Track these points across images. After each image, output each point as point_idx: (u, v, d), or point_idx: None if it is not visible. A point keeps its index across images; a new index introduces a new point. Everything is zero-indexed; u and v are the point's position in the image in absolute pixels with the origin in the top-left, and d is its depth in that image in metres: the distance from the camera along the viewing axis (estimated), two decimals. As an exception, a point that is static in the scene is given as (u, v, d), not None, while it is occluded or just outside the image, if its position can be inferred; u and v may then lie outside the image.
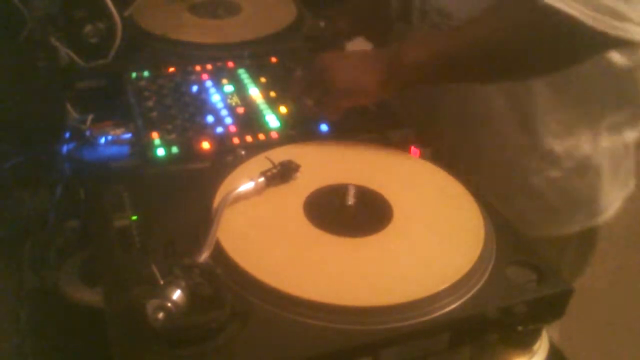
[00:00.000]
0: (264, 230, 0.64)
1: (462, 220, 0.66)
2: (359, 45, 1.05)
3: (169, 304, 0.50)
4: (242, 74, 0.92)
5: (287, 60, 0.95)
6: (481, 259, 0.61)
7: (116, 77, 0.90)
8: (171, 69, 0.91)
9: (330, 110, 0.79)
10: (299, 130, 0.81)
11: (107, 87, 0.91)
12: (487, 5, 0.72)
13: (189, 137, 0.77)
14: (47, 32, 0.90)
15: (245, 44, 1.00)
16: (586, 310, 1.04)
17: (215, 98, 0.86)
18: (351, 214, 0.66)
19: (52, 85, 0.88)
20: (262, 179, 0.67)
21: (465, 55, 0.73)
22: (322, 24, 1.05)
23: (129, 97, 0.85)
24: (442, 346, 0.57)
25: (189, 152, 0.76)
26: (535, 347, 0.61)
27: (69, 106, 0.87)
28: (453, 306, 0.57)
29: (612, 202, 0.96)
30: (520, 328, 0.58)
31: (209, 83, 0.89)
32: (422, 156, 0.77)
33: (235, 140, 0.78)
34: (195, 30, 1.05)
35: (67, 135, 0.82)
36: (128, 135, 0.81)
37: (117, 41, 0.92)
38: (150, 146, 0.76)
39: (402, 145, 0.78)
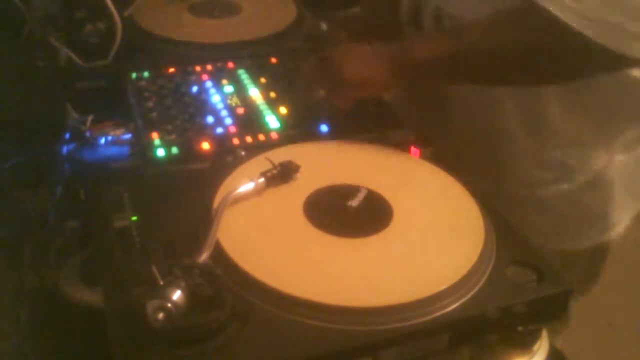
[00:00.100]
0: (264, 230, 0.64)
1: (462, 221, 0.66)
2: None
3: (169, 305, 0.50)
4: (242, 74, 0.92)
5: (287, 61, 0.95)
6: (481, 259, 0.61)
7: (116, 77, 0.90)
8: (171, 70, 0.91)
9: (342, 100, 0.80)
10: (299, 130, 0.81)
11: (107, 88, 0.91)
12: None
13: (189, 137, 0.77)
14: (47, 32, 0.90)
15: (245, 44, 1.00)
16: (586, 310, 1.04)
17: (215, 98, 0.86)
18: (351, 214, 0.66)
19: (52, 85, 0.88)
20: (262, 180, 0.67)
21: (467, 55, 0.73)
22: (323, 25, 1.05)
23: (129, 98, 0.85)
24: (442, 346, 0.57)
25: (189, 153, 0.76)
26: (535, 347, 0.60)
27: (69, 106, 0.87)
28: (453, 306, 0.57)
29: (624, 217, 0.93)
30: (520, 328, 0.58)
31: (209, 83, 0.89)
32: (422, 156, 0.77)
33: (235, 141, 0.78)
34: (195, 30, 1.05)
35: (67, 135, 0.82)
36: (128, 136, 0.81)
37: (117, 41, 0.92)
38: (150, 146, 0.76)
39: (402, 146, 0.78)
